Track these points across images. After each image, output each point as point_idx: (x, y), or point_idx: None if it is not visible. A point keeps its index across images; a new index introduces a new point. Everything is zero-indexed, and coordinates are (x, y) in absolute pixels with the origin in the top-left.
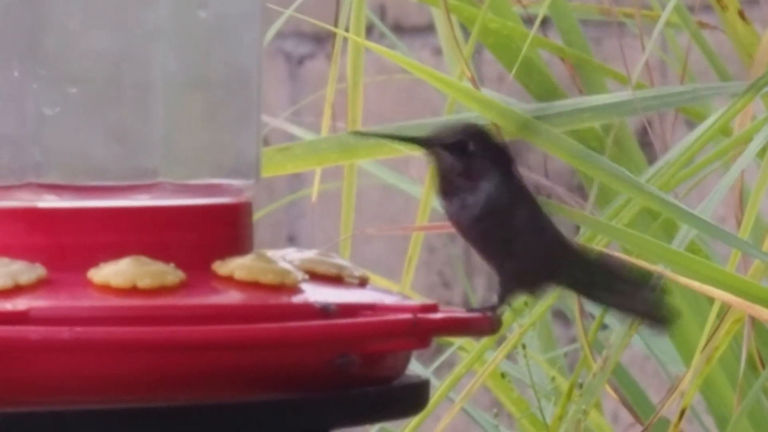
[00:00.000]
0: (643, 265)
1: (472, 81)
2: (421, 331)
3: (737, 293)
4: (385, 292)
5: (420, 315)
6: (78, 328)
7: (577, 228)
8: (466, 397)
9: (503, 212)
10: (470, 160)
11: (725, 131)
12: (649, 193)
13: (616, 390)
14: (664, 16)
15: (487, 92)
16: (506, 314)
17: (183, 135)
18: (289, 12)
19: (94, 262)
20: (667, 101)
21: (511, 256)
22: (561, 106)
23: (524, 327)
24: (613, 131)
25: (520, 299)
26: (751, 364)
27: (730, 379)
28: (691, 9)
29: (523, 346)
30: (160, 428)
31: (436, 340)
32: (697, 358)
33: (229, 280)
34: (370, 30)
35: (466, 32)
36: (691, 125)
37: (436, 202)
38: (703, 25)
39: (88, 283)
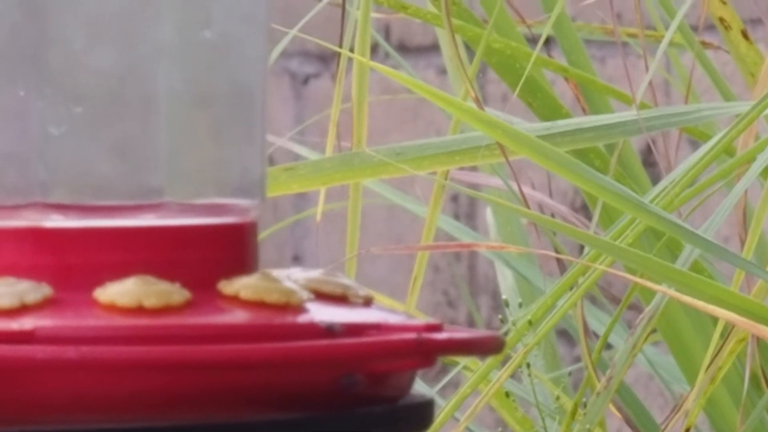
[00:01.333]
0: (648, 284)
1: (477, 100)
2: (426, 350)
3: (741, 313)
4: (390, 312)
5: (425, 335)
6: (84, 348)
7: (581, 247)
8: (471, 417)
9: None
10: None
11: (729, 151)
12: (653, 213)
13: (620, 409)
14: (668, 36)
15: (491, 112)
16: (511, 334)
17: (188, 154)
18: (294, 32)
19: (100, 281)
20: (670, 121)
21: None
22: (565, 125)
23: (529, 346)
24: (617, 151)
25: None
26: (754, 384)
27: (734, 399)
28: (695, 29)
29: (528, 366)
30: None
31: (441, 360)
32: (701, 377)
33: (235, 300)
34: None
35: (471, 52)
36: (695, 145)
37: (441, 222)
38: (706, 45)
39: (94, 303)
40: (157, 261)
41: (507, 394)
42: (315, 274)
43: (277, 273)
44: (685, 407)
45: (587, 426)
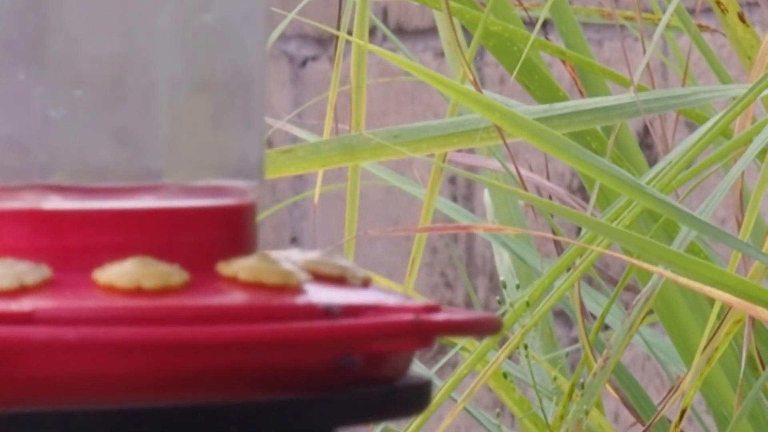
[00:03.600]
0: (644, 266)
1: (474, 83)
2: (424, 331)
3: (738, 294)
4: (388, 293)
5: (422, 316)
6: (83, 329)
7: (578, 229)
8: (468, 397)
9: None
10: None
11: (726, 133)
12: (650, 195)
13: (617, 390)
14: (665, 19)
15: (488, 94)
16: (508, 315)
17: (187, 137)
18: (292, 15)
19: (99, 262)
20: (668, 103)
21: None
22: (562, 108)
23: (526, 327)
24: (614, 133)
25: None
26: (751, 365)
27: (731, 380)
28: (692, 12)
29: (525, 347)
30: (164, 428)
31: (438, 341)
32: (697, 358)
33: (233, 281)
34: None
35: (468, 35)
36: (691, 127)
37: (439, 204)
38: (703, 27)
39: (93, 284)
40: (156, 242)
41: (504, 375)
42: (313, 255)
43: (275, 254)
44: (681, 388)
45: (584, 407)
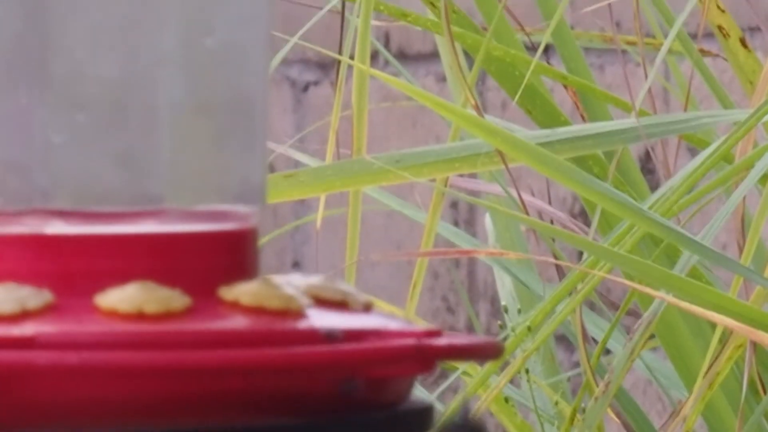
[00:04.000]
0: (646, 291)
1: (476, 108)
2: (426, 356)
3: (739, 319)
4: (390, 318)
5: (424, 340)
6: (85, 354)
7: (580, 254)
8: None
9: None
10: None
11: (727, 158)
12: (652, 220)
13: (618, 414)
14: (667, 44)
15: (490, 119)
16: (510, 340)
17: (189, 161)
18: (294, 40)
19: (101, 287)
20: (669, 128)
21: None
22: (564, 132)
23: (527, 352)
24: (615, 158)
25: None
26: (752, 389)
27: (732, 404)
28: (693, 37)
29: (527, 371)
30: None
31: (440, 366)
32: (699, 382)
33: (235, 306)
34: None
35: (470, 59)
36: (693, 152)
37: (440, 228)
38: (705, 52)
39: (95, 309)
40: (158, 267)
41: (506, 400)
42: (315, 280)
43: (277, 279)
44: (683, 413)
45: (586, 431)
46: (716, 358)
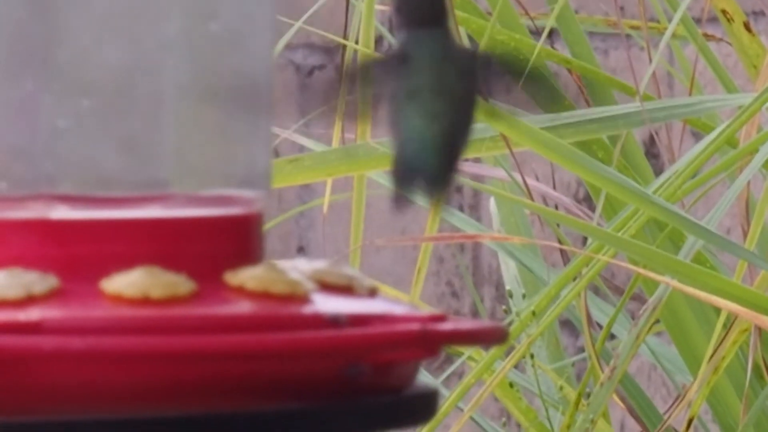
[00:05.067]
0: (651, 275)
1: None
2: (430, 341)
3: (744, 303)
4: (395, 303)
5: (429, 325)
6: (90, 338)
7: (584, 239)
8: (474, 407)
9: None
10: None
11: (731, 142)
12: (656, 204)
13: (623, 399)
14: (671, 28)
15: (494, 103)
16: (514, 325)
17: (194, 146)
18: (299, 24)
19: (107, 272)
20: (673, 113)
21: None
22: (568, 117)
23: (532, 337)
24: (620, 142)
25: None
26: (757, 374)
27: (737, 389)
28: (698, 21)
29: (531, 356)
30: None
31: (445, 350)
32: (703, 367)
33: (240, 291)
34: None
35: (475, 44)
36: (697, 136)
37: (445, 213)
38: (709, 37)
39: (101, 294)
40: (163, 252)
41: (511, 385)
42: (320, 265)
43: (282, 264)
44: (688, 397)
45: (590, 416)
46: (721, 342)
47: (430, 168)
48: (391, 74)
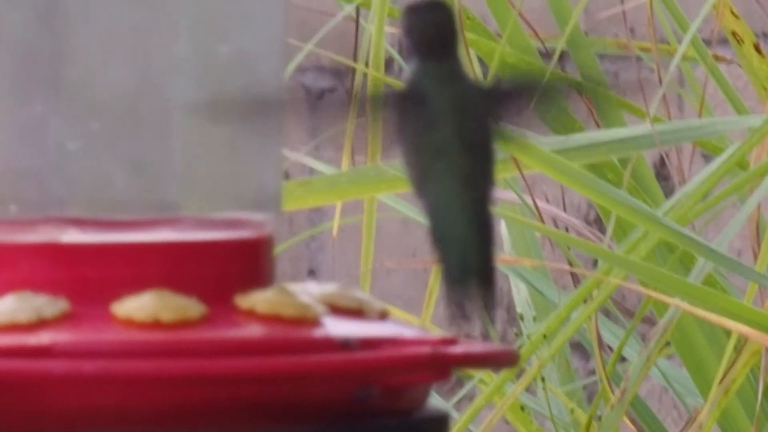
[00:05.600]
0: (661, 298)
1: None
2: (441, 364)
3: (754, 326)
4: (405, 326)
5: (440, 348)
6: (101, 362)
7: (595, 261)
8: (486, 430)
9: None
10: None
11: (742, 164)
12: (666, 226)
13: (634, 422)
14: (681, 50)
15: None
16: (525, 347)
17: (204, 169)
18: (309, 47)
19: (117, 295)
20: (684, 135)
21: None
22: (578, 139)
23: (543, 360)
24: (630, 164)
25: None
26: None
27: (748, 411)
28: (708, 43)
29: (542, 379)
30: None
31: (456, 373)
32: (714, 390)
33: (251, 314)
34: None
35: (485, 66)
36: (708, 158)
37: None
38: (719, 58)
39: (111, 317)
40: (174, 275)
41: (522, 408)
42: (330, 288)
43: (292, 287)
44: (698, 420)
45: None
46: (731, 365)
47: (480, 262)
48: (407, 115)
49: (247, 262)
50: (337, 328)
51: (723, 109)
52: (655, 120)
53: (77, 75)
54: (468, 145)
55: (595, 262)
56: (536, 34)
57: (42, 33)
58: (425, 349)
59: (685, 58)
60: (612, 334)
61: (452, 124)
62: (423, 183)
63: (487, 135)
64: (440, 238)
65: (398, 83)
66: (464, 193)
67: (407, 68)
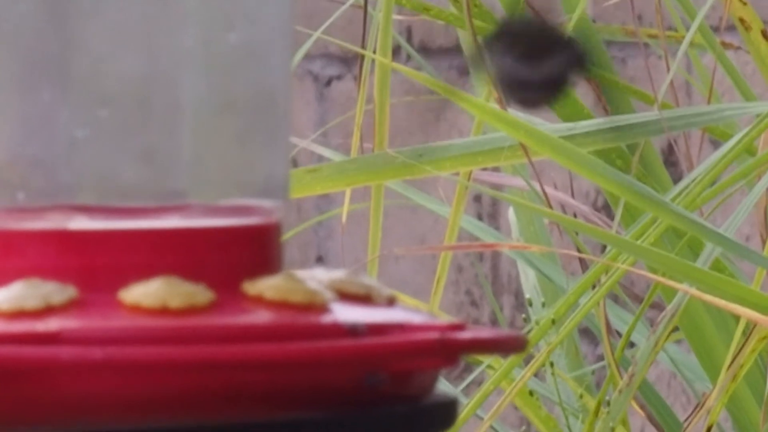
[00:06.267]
0: (669, 283)
1: (499, 101)
2: (449, 350)
3: (763, 311)
4: (414, 312)
5: (448, 334)
6: (109, 349)
7: (603, 247)
8: (494, 415)
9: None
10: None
11: (750, 150)
12: (675, 212)
13: (642, 407)
14: (689, 36)
15: (513, 113)
16: (534, 333)
17: (212, 156)
18: (317, 34)
19: (125, 282)
20: (692, 121)
21: None
22: (587, 126)
23: (551, 345)
24: (638, 151)
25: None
26: None
27: (756, 396)
28: (715, 29)
29: (551, 364)
30: None
31: (464, 359)
32: (723, 375)
33: (259, 300)
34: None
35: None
36: (716, 144)
37: (464, 222)
38: (726, 45)
39: (119, 304)
40: (182, 262)
41: (530, 393)
42: (339, 274)
43: (301, 274)
44: (707, 405)
45: (610, 424)
46: (740, 350)
47: None
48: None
49: (255, 249)
50: (346, 314)
51: (731, 96)
52: (664, 106)
53: (85, 63)
54: None
55: (603, 248)
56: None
57: (50, 22)
58: (433, 335)
59: (692, 44)
60: (620, 320)
61: None
62: None
63: None
64: None
65: (406, 70)
66: None
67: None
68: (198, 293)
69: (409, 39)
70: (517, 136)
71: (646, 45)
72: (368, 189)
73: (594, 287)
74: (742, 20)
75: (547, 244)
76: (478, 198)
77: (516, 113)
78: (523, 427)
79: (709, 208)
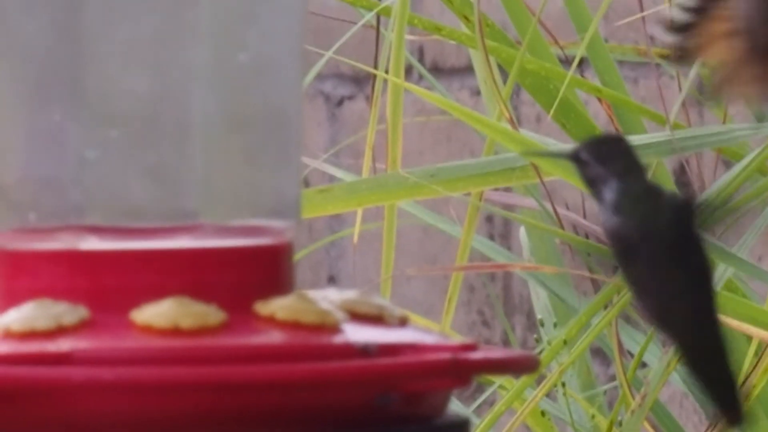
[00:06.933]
0: None
1: (511, 121)
2: (461, 370)
3: None
4: (425, 332)
5: (460, 354)
6: (121, 369)
7: (615, 267)
8: None
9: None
10: (585, 168)
11: (762, 170)
12: None
13: (654, 427)
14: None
15: (525, 133)
16: (545, 353)
17: (224, 176)
18: (329, 54)
19: (136, 303)
20: (704, 141)
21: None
22: None
23: (563, 365)
24: (650, 171)
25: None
26: None
27: None
28: None
29: (563, 385)
30: None
31: (476, 379)
32: None
33: (270, 321)
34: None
35: (504, 73)
36: (728, 164)
37: (475, 242)
38: None
39: (131, 324)
40: (193, 282)
41: (542, 413)
42: (350, 294)
43: (312, 294)
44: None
45: None
46: (752, 370)
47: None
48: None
49: (266, 269)
50: (357, 334)
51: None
52: (675, 126)
53: (96, 83)
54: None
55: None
56: (556, 41)
57: (61, 41)
58: (445, 355)
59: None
60: (632, 340)
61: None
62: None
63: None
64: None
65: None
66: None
67: (607, 192)
68: (209, 314)
69: (421, 59)
70: (529, 156)
71: (657, 65)
72: (380, 209)
73: (606, 307)
74: None
75: (558, 265)
76: (489, 218)
77: (528, 133)
78: None
79: (721, 228)
